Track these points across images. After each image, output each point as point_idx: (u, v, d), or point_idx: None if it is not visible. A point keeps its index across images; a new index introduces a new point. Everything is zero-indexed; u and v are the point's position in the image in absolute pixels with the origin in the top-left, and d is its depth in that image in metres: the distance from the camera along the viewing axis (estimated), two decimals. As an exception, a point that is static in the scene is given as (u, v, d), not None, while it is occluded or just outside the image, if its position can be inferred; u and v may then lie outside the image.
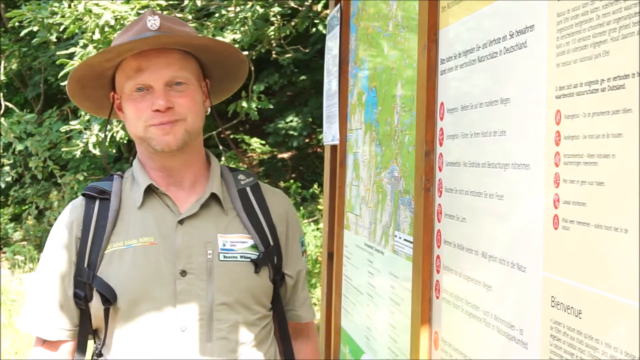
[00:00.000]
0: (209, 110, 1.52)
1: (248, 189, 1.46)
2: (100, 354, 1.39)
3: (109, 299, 1.32)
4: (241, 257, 1.37)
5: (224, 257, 1.36)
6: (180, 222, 1.37)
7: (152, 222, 1.37)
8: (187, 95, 1.36)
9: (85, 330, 1.40)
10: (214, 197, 1.40)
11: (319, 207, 7.85)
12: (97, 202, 1.40)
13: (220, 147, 7.27)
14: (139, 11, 5.00)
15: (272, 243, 1.42)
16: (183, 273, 1.34)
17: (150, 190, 1.40)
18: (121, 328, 1.35)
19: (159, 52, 1.35)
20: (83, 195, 1.43)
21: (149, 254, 1.35)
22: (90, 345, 1.43)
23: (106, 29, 4.85)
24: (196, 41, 1.38)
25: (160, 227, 1.37)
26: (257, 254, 1.39)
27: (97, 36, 4.87)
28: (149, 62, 1.34)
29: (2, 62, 8.59)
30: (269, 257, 1.40)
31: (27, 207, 9.05)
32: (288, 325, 1.50)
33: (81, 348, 1.41)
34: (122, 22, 4.90)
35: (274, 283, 1.43)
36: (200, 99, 1.41)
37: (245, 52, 5.57)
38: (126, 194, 1.42)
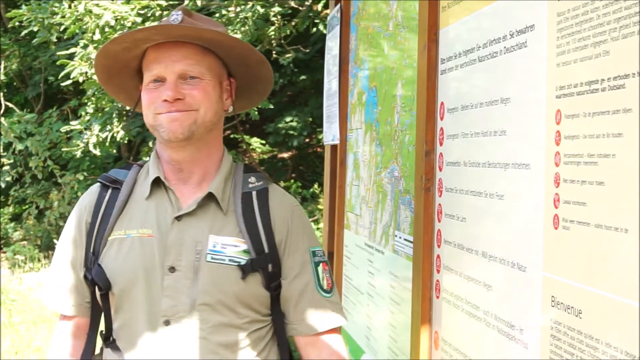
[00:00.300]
0: (231, 108, 1.49)
1: (254, 192, 1.43)
2: (108, 336, 1.42)
3: (102, 286, 1.38)
4: (230, 260, 1.35)
5: (212, 258, 1.35)
6: (178, 218, 1.38)
7: (154, 215, 1.40)
8: (200, 88, 1.37)
9: (95, 309, 1.46)
10: (214, 197, 1.40)
11: (319, 207, 7.85)
12: (109, 191, 1.46)
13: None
14: (139, 11, 5.00)
15: (266, 250, 1.38)
16: (172, 269, 1.35)
17: (159, 183, 1.42)
18: (116, 313, 1.40)
19: (175, 46, 1.37)
20: (98, 182, 1.49)
21: (145, 246, 1.37)
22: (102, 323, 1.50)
23: (106, 29, 4.85)
24: (208, 35, 1.37)
25: (159, 221, 1.39)
26: (247, 259, 1.36)
27: (97, 36, 4.87)
28: (165, 55, 1.37)
29: (2, 62, 8.59)
30: (260, 264, 1.36)
31: (27, 207, 9.04)
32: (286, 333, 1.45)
33: (93, 325, 1.46)
34: (122, 22, 4.90)
35: (270, 290, 1.39)
36: (215, 94, 1.40)
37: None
38: (139, 184, 1.45)
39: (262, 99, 1.64)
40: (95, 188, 1.49)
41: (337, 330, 1.45)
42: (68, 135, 7.50)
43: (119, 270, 1.37)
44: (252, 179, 1.45)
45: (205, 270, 1.34)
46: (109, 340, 1.41)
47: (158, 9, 5.08)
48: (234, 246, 1.36)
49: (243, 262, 1.35)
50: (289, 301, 1.41)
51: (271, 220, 1.40)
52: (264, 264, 1.37)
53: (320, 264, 1.44)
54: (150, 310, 1.35)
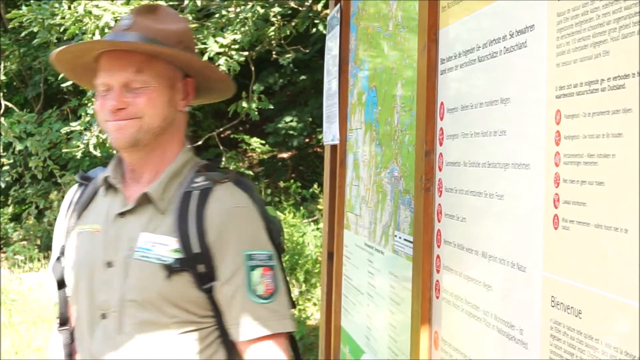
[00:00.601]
0: (187, 108, 1.51)
1: (195, 192, 1.40)
2: (61, 324, 1.52)
3: (55, 278, 1.49)
4: (156, 259, 1.35)
5: (140, 256, 1.37)
6: (122, 214, 1.42)
7: (104, 211, 1.46)
8: (145, 96, 1.39)
9: None
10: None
11: (319, 207, 7.86)
12: (81, 188, 1.56)
13: (221, 147, 7.27)
14: (139, 11, 4.99)
15: (197, 250, 1.35)
16: (109, 264, 1.40)
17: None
18: (73, 305, 1.49)
19: (121, 54, 1.40)
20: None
21: (93, 241, 1.44)
22: None
23: (106, 30, 4.85)
24: (143, 47, 1.39)
25: (107, 217, 1.45)
26: (174, 258, 1.34)
27: (97, 37, 4.87)
28: (111, 63, 1.41)
29: (2, 62, 8.59)
30: (189, 264, 1.34)
31: (27, 207, 9.04)
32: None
33: None
34: (122, 22, 4.89)
35: (205, 291, 1.36)
36: (162, 100, 1.42)
37: (246, 52, 5.57)
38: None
39: (227, 95, 1.67)
40: (75, 186, 1.59)
41: (277, 337, 1.38)
42: (68, 137, 7.50)
43: (72, 263, 1.46)
44: (200, 179, 1.43)
45: (133, 268, 1.37)
46: (62, 328, 1.50)
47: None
48: (164, 245, 1.36)
49: (169, 261, 1.34)
50: (222, 305, 1.38)
51: (205, 220, 1.37)
52: (193, 264, 1.35)
53: (259, 269, 1.38)
54: (92, 304, 1.41)
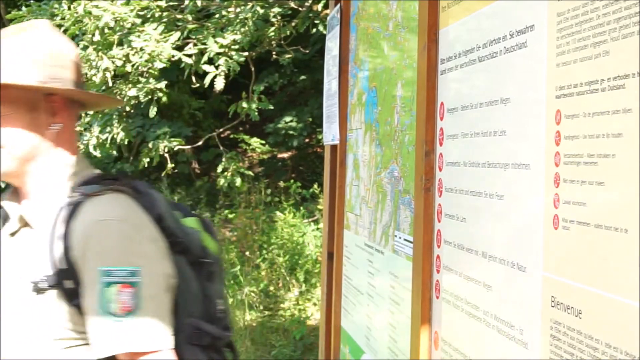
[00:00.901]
0: (58, 127, 1.46)
1: (67, 207, 1.37)
2: None
3: None
4: (28, 276, 1.35)
5: (17, 274, 1.38)
6: (11, 234, 1.46)
7: (4, 231, 1.49)
8: (4, 125, 1.40)
9: None
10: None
11: (319, 207, 7.86)
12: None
13: (221, 147, 7.27)
14: (138, 13, 5.00)
15: (64, 266, 1.33)
16: (2, 284, 1.42)
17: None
18: None
19: None
20: None
21: None
22: None
23: (106, 30, 4.85)
24: None
25: (3, 238, 1.48)
26: (44, 276, 1.34)
27: (97, 38, 4.88)
28: None
29: (2, 63, 8.59)
30: (56, 280, 1.33)
31: (27, 207, 9.02)
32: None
33: None
34: (121, 23, 4.90)
35: (77, 306, 1.34)
36: (21, 125, 1.41)
37: (246, 53, 5.57)
38: None
39: (116, 104, 1.70)
40: None
41: (140, 355, 1.32)
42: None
43: None
44: (76, 194, 1.40)
45: (13, 286, 1.39)
46: None
47: (158, 10, 5.08)
48: (37, 262, 1.36)
49: (39, 278, 1.35)
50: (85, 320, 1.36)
51: (69, 236, 1.34)
52: (60, 280, 1.34)
53: (113, 285, 1.31)
54: None
